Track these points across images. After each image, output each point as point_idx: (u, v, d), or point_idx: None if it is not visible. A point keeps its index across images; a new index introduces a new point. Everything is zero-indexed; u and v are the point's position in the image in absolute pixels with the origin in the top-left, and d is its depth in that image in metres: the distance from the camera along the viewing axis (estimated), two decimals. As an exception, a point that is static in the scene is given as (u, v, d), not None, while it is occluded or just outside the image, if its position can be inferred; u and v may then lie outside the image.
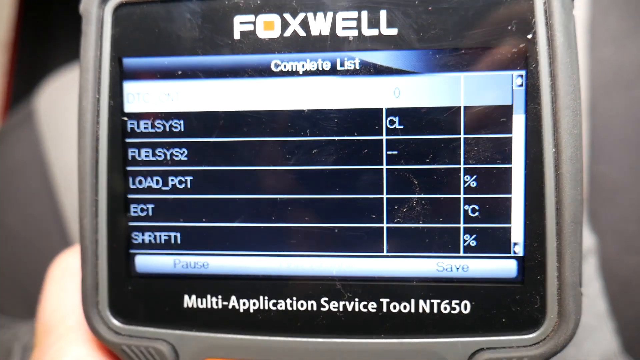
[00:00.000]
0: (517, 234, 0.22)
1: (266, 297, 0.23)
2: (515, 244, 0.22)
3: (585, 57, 0.46)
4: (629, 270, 0.43)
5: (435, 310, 0.23)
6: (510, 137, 0.22)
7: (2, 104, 0.86)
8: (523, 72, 0.22)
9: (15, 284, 0.47)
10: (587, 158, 0.46)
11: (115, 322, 0.24)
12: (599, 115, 0.46)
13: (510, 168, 0.22)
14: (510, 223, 0.22)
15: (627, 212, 0.44)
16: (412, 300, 0.23)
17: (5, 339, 0.39)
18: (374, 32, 0.22)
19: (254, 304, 0.23)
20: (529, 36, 0.21)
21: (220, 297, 0.23)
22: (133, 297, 0.24)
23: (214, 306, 0.23)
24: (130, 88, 0.24)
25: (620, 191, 0.45)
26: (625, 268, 0.44)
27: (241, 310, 0.23)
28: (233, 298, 0.23)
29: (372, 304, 0.23)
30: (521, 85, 0.22)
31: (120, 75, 0.23)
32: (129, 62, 0.23)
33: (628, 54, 0.46)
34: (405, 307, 0.23)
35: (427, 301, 0.23)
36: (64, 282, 0.25)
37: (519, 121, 0.22)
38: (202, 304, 0.24)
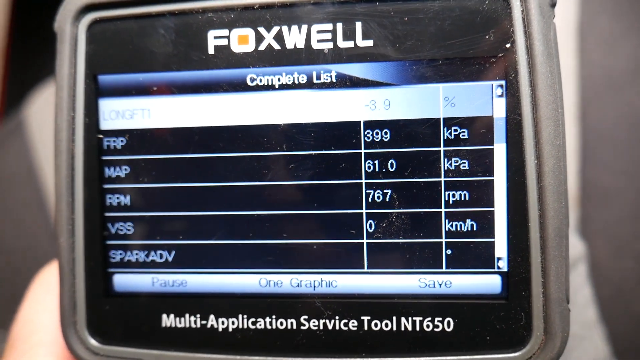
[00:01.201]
0: (501, 248, 0.22)
1: (245, 316, 0.23)
2: (499, 258, 0.22)
3: (575, 61, 0.45)
4: (621, 275, 0.43)
5: (417, 328, 0.22)
6: (492, 149, 0.21)
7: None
8: (503, 82, 0.21)
9: (6, 294, 0.47)
10: (578, 162, 0.45)
11: (93, 342, 0.23)
12: (590, 119, 0.45)
13: (493, 181, 0.22)
14: (493, 237, 0.22)
15: (619, 216, 0.44)
16: (394, 318, 0.22)
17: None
18: (349, 44, 0.22)
19: (233, 323, 0.23)
20: (508, 45, 0.21)
21: (198, 316, 0.23)
22: (111, 317, 0.23)
23: (193, 325, 0.23)
24: (106, 105, 0.23)
25: (612, 195, 0.44)
26: (618, 273, 0.43)
27: (220, 330, 0.23)
28: (212, 317, 0.23)
29: (353, 322, 0.22)
30: (501, 96, 0.21)
31: (95, 92, 0.23)
32: (104, 79, 0.23)
33: (618, 57, 0.45)
34: (387, 325, 0.22)
35: (410, 319, 0.22)
36: (43, 297, 0.25)
37: (499, 132, 0.21)
38: (180, 323, 0.23)
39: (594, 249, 0.45)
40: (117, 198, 0.23)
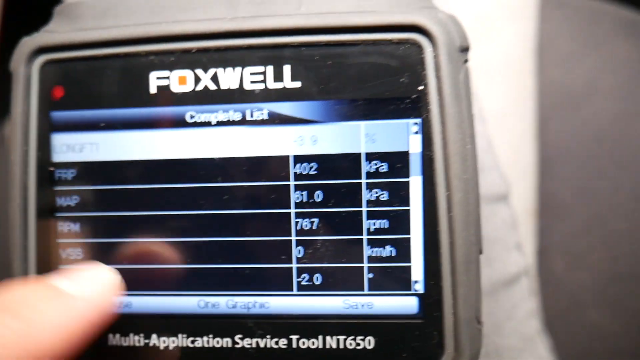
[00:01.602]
0: (417, 272, 0.24)
1: (185, 335, 0.25)
2: (415, 282, 0.24)
3: (534, 79, 0.47)
4: (576, 286, 0.45)
5: (341, 346, 0.24)
6: (408, 181, 0.23)
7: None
8: (419, 120, 0.23)
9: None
10: (537, 176, 0.47)
11: (45, 359, 0.25)
12: (548, 135, 0.47)
13: (409, 210, 0.23)
14: (410, 262, 0.24)
15: (575, 229, 0.45)
16: (320, 337, 0.24)
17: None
18: (279, 85, 0.24)
19: (173, 342, 0.25)
20: (420, 88, 0.23)
21: (142, 335, 0.25)
22: (63, 335, 0.25)
23: (137, 344, 0.25)
24: (58, 139, 0.25)
25: (569, 209, 0.46)
26: (573, 284, 0.45)
27: (161, 348, 0.25)
28: (154, 336, 0.25)
29: (283, 341, 0.24)
30: (417, 133, 0.23)
31: (48, 127, 0.25)
32: (56, 115, 0.25)
33: (576, 75, 0.47)
34: (313, 344, 0.24)
35: (334, 337, 0.24)
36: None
37: (415, 166, 0.23)
38: (125, 342, 0.25)
39: (551, 262, 0.47)
40: (68, 226, 0.25)
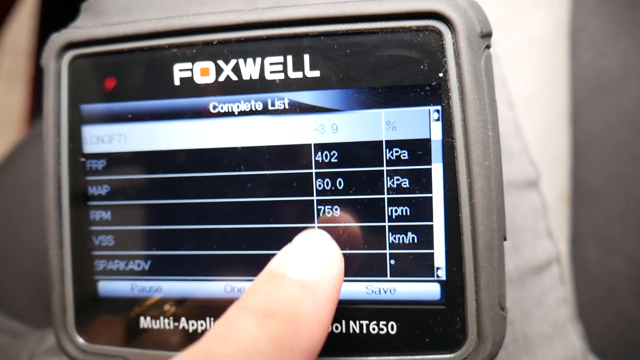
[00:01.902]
0: (440, 259, 0.24)
1: (212, 319, 0.25)
2: (438, 268, 0.24)
3: (567, 63, 0.46)
4: (610, 274, 0.44)
5: (364, 331, 0.24)
6: (430, 169, 0.23)
7: (26, 113, 0.91)
8: (439, 107, 0.23)
9: (39, 294, 0.51)
10: (570, 162, 0.46)
11: (81, 341, 0.26)
12: (582, 120, 0.46)
13: (431, 197, 0.24)
14: (433, 249, 0.24)
15: (609, 216, 0.44)
16: (343, 321, 0.24)
17: (16, 348, 0.42)
18: (299, 74, 0.24)
19: (202, 325, 0.26)
20: (441, 75, 0.23)
21: (171, 318, 0.26)
22: (97, 319, 0.26)
23: (166, 327, 0.26)
24: (88, 131, 0.26)
25: (603, 196, 0.45)
26: (607, 272, 0.44)
27: (190, 331, 0.26)
28: (183, 320, 0.26)
29: (306, 325, 0.25)
30: (438, 120, 0.23)
31: (79, 120, 0.26)
32: (86, 108, 0.26)
33: (609, 59, 0.46)
34: (337, 328, 0.24)
35: (357, 322, 0.24)
36: None
37: (437, 153, 0.23)
38: (156, 325, 0.26)
39: (584, 249, 0.46)
40: (100, 214, 0.26)
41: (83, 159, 0.26)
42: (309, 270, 0.20)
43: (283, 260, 0.21)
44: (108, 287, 0.27)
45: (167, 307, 0.26)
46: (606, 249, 0.45)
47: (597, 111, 0.46)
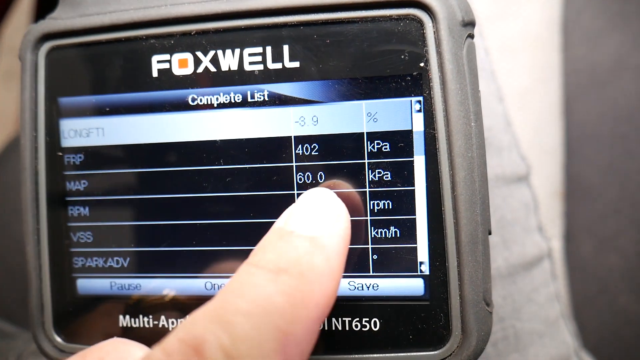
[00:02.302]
0: (423, 253, 0.23)
1: (192, 316, 0.25)
2: (421, 263, 0.23)
3: (560, 56, 0.46)
4: (604, 270, 0.43)
5: (347, 328, 0.24)
6: (412, 161, 0.23)
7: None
8: (421, 98, 0.23)
9: (20, 290, 0.51)
10: (563, 157, 0.45)
11: (59, 340, 0.26)
12: (574, 114, 0.45)
13: (413, 190, 0.23)
14: (416, 243, 0.23)
15: (603, 211, 0.44)
16: (325, 319, 0.24)
17: (4, 348, 0.42)
18: (278, 65, 0.23)
19: (181, 323, 0.25)
20: (422, 64, 0.22)
21: (151, 316, 0.25)
22: (75, 317, 0.26)
23: (146, 325, 0.25)
24: (66, 125, 0.26)
25: (597, 191, 0.44)
26: (601, 268, 0.43)
27: (170, 329, 0.25)
28: (162, 318, 0.25)
29: (288, 322, 0.24)
30: (420, 111, 0.23)
31: (56, 113, 0.26)
32: (64, 101, 0.25)
33: (602, 52, 0.45)
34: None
35: (340, 319, 0.24)
36: None
37: (419, 145, 0.23)
38: (135, 323, 0.25)
39: (578, 245, 0.46)
40: (78, 209, 0.26)
41: (61, 154, 0.26)
42: (317, 226, 0.20)
43: (289, 218, 0.21)
44: (87, 284, 0.26)
45: (146, 305, 0.25)
46: (600, 244, 0.45)
47: (590, 105, 0.45)
